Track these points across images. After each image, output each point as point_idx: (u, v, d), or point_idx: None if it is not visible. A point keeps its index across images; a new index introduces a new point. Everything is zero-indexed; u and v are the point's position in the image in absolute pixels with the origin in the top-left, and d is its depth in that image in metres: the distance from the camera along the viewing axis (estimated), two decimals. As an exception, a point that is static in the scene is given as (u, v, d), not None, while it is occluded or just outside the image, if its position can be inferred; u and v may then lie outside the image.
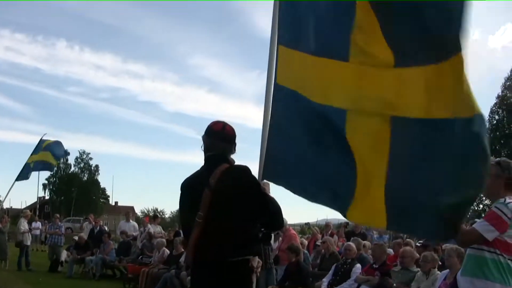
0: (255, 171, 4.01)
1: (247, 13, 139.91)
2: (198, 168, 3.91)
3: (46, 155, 18.35)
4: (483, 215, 4.50)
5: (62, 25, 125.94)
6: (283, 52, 4.24)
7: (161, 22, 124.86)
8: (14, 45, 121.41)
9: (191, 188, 3.83)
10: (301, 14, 4.14)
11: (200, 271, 3.72)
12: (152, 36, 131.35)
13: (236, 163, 3.88)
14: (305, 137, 4.05)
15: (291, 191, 4.09)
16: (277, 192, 4.10)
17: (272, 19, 4.33)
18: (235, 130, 3.95)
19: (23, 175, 17.78)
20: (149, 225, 17.61)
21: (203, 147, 3.93)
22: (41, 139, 18.46)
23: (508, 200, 4.26)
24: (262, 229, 3.86)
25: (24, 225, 19.10)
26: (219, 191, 3.61)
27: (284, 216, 3.96)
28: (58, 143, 18.87)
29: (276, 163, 4.15)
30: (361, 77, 3.71)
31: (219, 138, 3.85)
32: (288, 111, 4.17)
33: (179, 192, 3.96)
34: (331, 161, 3.90)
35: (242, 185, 3.70)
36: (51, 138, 18.92)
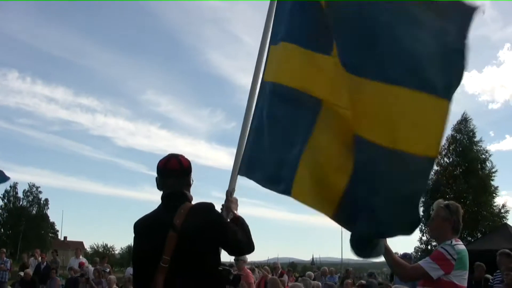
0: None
1: (199, 50, 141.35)
2: (150, 203, 3.75)
3: None
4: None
5: (14, 56, 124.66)
6: (273, 50, 4.48)
7: (114, 57, 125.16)
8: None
9: (151, 229, 3.50)
10: (293, 13, 4.35)
11: None
12: (105, 70, 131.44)
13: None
14: (277, 131, 4.24)
15: (261, 185, 4.28)
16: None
17: (266, 21, 4.57)
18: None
19: None
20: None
21: (157, 185, 3.72)
22: None
23: (454, 242, 4.35)
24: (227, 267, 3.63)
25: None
26: (186, 233, 3.35)
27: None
28: None
29: (252, 160, 4.33)
30: (337, 73, 3.83)
31: (165, 174, 3.66)
32: (268, 106, 4.37)
33: (132, 232, 3.65)
34: (289, 149, 4.11)
35: (210, 225, 3.44)
36: None
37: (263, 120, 4.38)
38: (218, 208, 3.79)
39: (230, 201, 4.05)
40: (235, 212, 3.96)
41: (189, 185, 3.72)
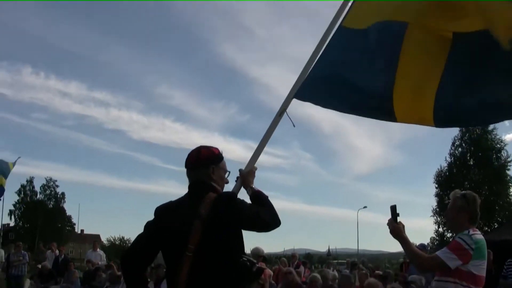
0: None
1: (213, 44, 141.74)
2: (165, 196, 3.75)
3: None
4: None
5: (28, 51, 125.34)
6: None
7: (127, 51, 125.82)
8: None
9: (176, 217, 3.51)
10: None
11: None
12: (118, 64, 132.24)
13: None
14: (354, 63, 4.57)
15: (322, 105, 4.61)
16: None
17: None
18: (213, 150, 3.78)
19: None
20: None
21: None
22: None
23: (472, 232, 4.34)
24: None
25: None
26: (211, 223, 3.37)
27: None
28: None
29: (315, 85, 4.50)
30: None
31: (196, 165, 3.69)
32: (345, 46, 4.63)
33: (153, 217, 3.67)
34: (374, 77, 4.47)
35: (233, 213, 3.45)
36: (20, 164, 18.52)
37: (342, 63, 4.60)
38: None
39: (246, 175, 4.00)
40: (253, 186, 3.90)
41: (210, 175, 3.70)
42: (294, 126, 4.38)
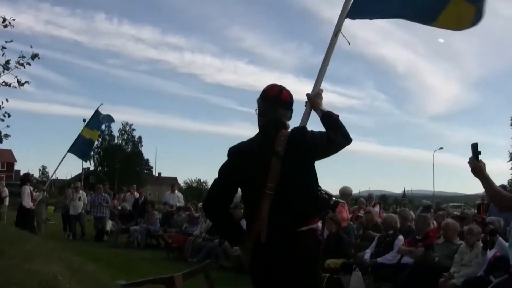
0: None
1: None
2: (240, 138, 3.72)
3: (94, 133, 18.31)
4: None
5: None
6: None
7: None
8: (53, 18, 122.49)
9: (253, 157, 3.52)
10: None
11: (271, 246, 3.40)
12: (191, 8, 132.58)
13: None
14: None
15: (373, 18, 4.75)
16: (325, 164, 4.03)
17: None
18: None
19: (79, 150, 17.41)
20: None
21: (257, 110, 3.71)
22: (97, 111, 18.17)
23: None
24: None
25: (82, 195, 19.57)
26: (288, 159, 3.41)
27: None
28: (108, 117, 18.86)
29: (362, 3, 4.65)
30: None
31: (275, 104, 3.64)
32: None
33: (226, 159, 3.67)
34: None
35: (308, 146, 3.46)
36: (102, 111, 18.40)
37: None
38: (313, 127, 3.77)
39: (313, 98, 3.99)
40: (322, 108, 3.87)
41: (287, 117, 3.72)
42: (349, 44, 4.46)
